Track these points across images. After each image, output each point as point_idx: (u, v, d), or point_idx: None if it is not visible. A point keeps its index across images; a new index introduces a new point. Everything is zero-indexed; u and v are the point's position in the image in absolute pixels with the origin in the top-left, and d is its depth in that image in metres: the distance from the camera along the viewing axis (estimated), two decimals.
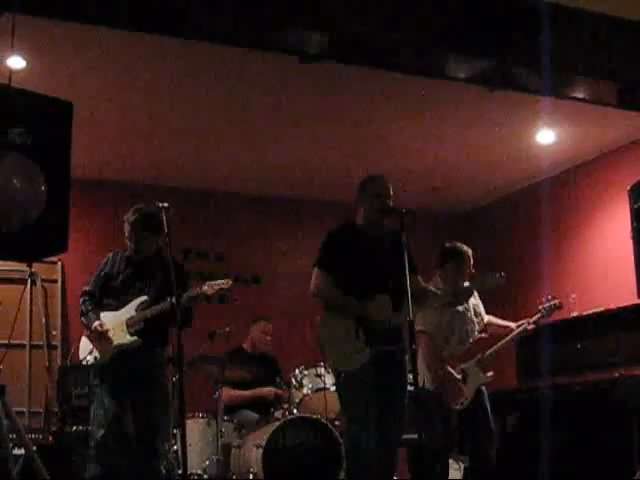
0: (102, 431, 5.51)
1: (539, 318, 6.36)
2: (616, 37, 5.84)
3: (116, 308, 5.73)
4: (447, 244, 6.46)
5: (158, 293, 5.64)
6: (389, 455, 5.12)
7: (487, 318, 6.53)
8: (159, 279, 5.67)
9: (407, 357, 5.20)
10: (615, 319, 7.35)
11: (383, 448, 5.01)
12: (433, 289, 5.54)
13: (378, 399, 5.02)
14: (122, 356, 5.64)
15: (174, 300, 5.03)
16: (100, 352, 5.69)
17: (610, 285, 8.15)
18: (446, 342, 6.18)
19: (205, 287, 5.70)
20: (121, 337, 5.64)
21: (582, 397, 6.87)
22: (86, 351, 5.77)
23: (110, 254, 5.93)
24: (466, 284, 6.09)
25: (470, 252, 6.35)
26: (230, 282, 5.83)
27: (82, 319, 5.82)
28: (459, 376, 6.12)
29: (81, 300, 5.85)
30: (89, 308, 5.78)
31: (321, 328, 5.22)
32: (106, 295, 5.82)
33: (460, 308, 6.15)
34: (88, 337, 5.80)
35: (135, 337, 5.63)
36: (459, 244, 6.41)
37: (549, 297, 6.39)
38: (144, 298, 5.68)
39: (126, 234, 5.81)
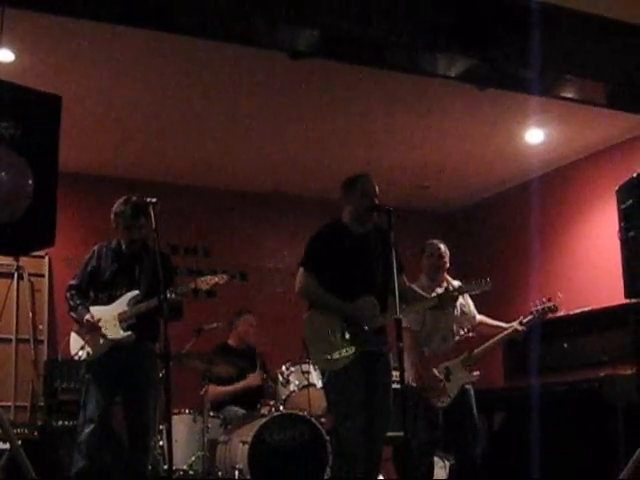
0: (91, 426, 5.49)
1: (530, 320, 6.35)
2: (606, 37, 5.85)
3: (106, 302, 5.70)
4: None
5: (149, 286, 5.63)
6: (375, 452, 5.13)
7: (479, 318, 6.54)
8: (149, 272, 5.66)
9: (392, 356, 5.22)
10: (602, 319, 7.38)
11: (369, 446, 5.02)
12: (421, 292, 5.56)
13: (364, 397, 5.03)
14: (115, 351, 5.62)
15: (164, 294, 5.05)
16: (92, 346, 5.66)
17: (597, 285, 8.17)
18: (429, 340, 6.20)
19: (200, 282, 5.72)
20: (114, 332, 5.61)
21: (569, 396, 6.88)
22: (77, 347, 5.74)
23: (96, 247, 5.89)
24: (456, 284, 6.13)
25: (443, 247, 6.43)
26: (225, 278, 5.86)
27: (72, 314, 5.78)
28: (441, 374, 6.13)
29: (68, 295, 5.82)
30: (78, 302, 5.74)
31: (306, 327, 5.21)
32: (94, 289, 5.80)
33: None
34: (78, 332, 5.77)
35: (129, 332, 5.60)
36: (434, 240, 6.48)
37: (544, 299, 6.35)
38: (136, 292, 5.66)
39: (117, 226, 5.78)
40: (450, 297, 5.67)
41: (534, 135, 8.26)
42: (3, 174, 3.71)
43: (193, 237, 9.32)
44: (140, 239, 5.77)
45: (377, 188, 5.28)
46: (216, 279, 5.82)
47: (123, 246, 5.82)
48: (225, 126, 7.96)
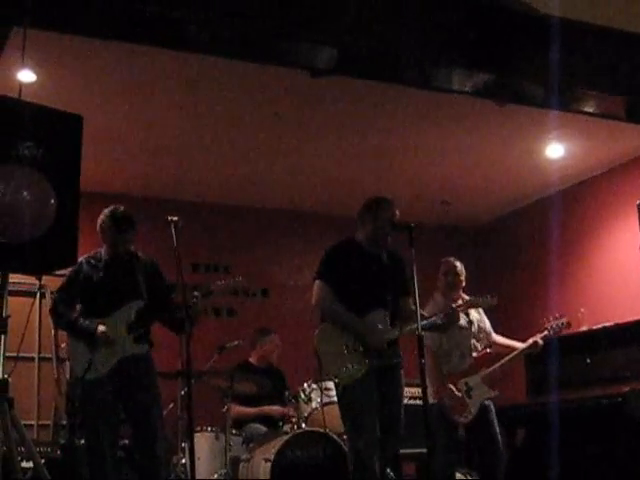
0: (98, 442, 5.36)
1: (545, 336, 6.34)
2: (625, 51, 5.85)
3: (107, 314, 5.46)
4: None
5: (148, 295, 5.52)
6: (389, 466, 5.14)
7: (494, 337, 6.52)
8: (145, 281, 5.57)
9: (403, 371, 5.28)
10: (625, 333, 7.32)
11: (383, 460, 5.03)
12: (424, 313, 5.41)
13: (376, 410, 5.04)
14: (122, 363, 5.41)
15: (187, 311, 5.06)
16: (101, 362, 5.39)
17: (620, 299, 8.14)
18: (447, 358, 6.19)
19: (217, 286, 5.60)
20: (127, 344, 5.42)
21: (592, 412, 6.83)
22: (81, 368, 5.42)
23: (82, 259, 5.55)
24: (460, 301, 6.14)
25: (459, 264, 6.44)
26: (241, 280, 5.77)
27: (72, 327, 5.52)
28: (460, 393, 6.11)
29: (60, 307, 5.59)
30: (74, 315, 5.51)
31: (318, 340, 5.23)
32: (83, 301, 5.58)
33: (462, 323, 6.14)
34: (74, 354, 5.55)
35: (145, 344, 5.48)
36: (450, 258, 6.49)
37: (557, 315, 6.35)
38: (140, 302, 5.49)
39: (106, 238, 5.59)
40: (453, 314, 5.61)
41: (554, 150, 8.24)
42: (25, 193, 3.73)
43: (214, 255, 9.33)
44: (127, 250, 5.61)
45: (398, 213, 5.28)
46: (232, 280, 5.76)
47: (109, 257, 5.60)
48: (247, 144, 7.98)
